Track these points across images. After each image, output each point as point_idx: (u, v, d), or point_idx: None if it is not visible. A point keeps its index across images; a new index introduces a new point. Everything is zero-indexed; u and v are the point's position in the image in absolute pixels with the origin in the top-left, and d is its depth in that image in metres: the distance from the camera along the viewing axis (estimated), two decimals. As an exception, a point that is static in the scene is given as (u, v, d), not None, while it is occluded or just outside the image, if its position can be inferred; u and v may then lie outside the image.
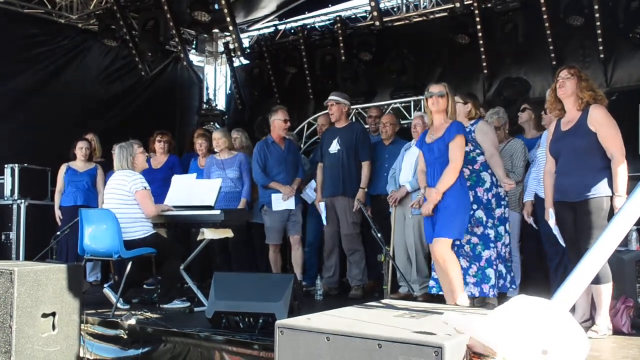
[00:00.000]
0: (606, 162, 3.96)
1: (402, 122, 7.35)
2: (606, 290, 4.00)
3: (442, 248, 4.44)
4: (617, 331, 4.14)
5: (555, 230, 4.26)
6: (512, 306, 2.62)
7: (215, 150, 6.84)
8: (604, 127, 3.98)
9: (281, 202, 6.35)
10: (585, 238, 3.91)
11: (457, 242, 4.79)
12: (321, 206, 6.36)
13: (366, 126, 7.15)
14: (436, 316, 2.98)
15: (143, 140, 6.71)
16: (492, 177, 5.06)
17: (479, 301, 5.05)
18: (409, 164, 5.91)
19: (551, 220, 4.27)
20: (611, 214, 3.82)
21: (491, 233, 5.02)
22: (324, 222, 6.37)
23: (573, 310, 4.25)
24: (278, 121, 6.51)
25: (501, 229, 5.10)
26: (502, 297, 5.19)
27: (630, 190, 3.08)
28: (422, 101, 8.15)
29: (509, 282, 5.17)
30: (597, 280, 3.91)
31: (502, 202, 5.15)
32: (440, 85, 4.60)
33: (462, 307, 4.03)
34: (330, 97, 6.41)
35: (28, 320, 3.93)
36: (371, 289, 6.39)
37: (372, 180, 6.42)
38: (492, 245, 5.01)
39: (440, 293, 5.10)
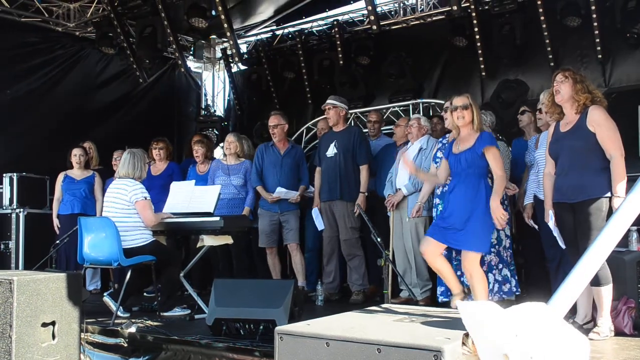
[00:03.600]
0: (605, 163, 3.95)
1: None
2: (606, 292, 3.99)
3: (472, 262, 4.40)
4: (619, 332, 4.12)
5: (555, 232, 4.25)
6: (518, 310, 2.61)
7: (225, 153, 6.84)
8: (602, 127, 3.97)
9: (282, 192, 6.38)
10: (584, 239, 3.90)
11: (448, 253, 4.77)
12: (315, 213, 6.34)
13: (365, 130, 7.14)
14: (436, 320, 2.97)
15: (142, 147, 6.70)
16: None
17: None
18: (404, 167, 5.90)
19: (550, 222, 4.25)
20: (610, 214, 3.80)
21: (492, 238, 5.00)
22: (319, 227, 6.34)
23: (574, 311, 4.27)
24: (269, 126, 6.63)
25: (501, 233, 5.09)
26: (506, 302, 5.18)
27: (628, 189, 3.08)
28: (420, 104, 8.24)
29: (514, 285, 5.15)
30: (597, 282, 3.90)
31: (503, 206, 5.13)
32: (464, 97, 4.53)
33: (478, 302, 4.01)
34: (328, 101, 6.41)
35: (28, 329, 3.91)
36: (372, 294, 6.37)
37: (382, 182, 6.40)
38: (493, 250, 4.99)
39: (447, 300, 5.09)
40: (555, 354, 2.43)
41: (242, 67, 10.67)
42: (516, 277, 5.22)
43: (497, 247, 5.07)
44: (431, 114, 7.97)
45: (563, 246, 4.24)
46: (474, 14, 7.95)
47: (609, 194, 3.92)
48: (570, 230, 4.13)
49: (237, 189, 6.61)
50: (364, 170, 6.23)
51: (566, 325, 2.59)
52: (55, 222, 7.17)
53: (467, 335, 2.57)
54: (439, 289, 5.34)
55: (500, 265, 5.10)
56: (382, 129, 7.32)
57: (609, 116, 4.03)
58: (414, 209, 5.65)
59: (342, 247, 6.29)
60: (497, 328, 2.52)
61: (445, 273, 4.56)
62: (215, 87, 11.17)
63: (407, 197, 5.85)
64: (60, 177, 7.26)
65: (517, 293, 5.17)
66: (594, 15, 7.22)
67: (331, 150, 6.34)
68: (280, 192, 6.38)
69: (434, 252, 4.47)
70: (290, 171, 6.48)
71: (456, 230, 4.39)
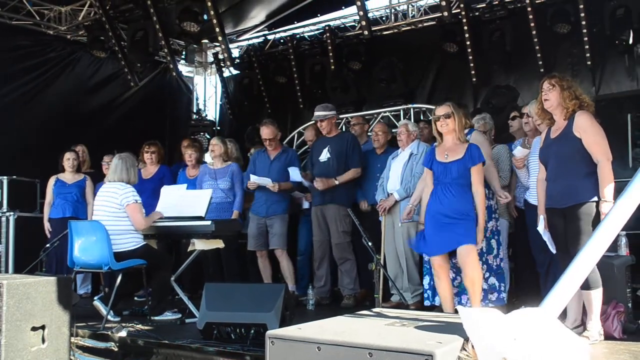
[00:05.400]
0: (592, 168, 3.97)
1: (393, 130, 7.36)
2: (596, 296, 4.01)
3: (468, 255, 4.44)
4: (608, 336, 4.14)
5: (545, 236, 4.28)
6: (517, 315, 2.63)
7: (210, 156, 6.85)
8: (588, 133, 4.00)
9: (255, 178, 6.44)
10: (574, 244, 3.92)
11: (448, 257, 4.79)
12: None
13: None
14: (427, 324, 2.98)
15: (133, 151, 6.68)
16: (485, 190, 5.04)
17: None
18: (395, 173, 5.93)
19: (540, 226, 4.28)
20: (599, 219, 3.83)
21: (482, 245, 4.99)
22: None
23: (564, 316, 4.28)
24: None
25: (493, 241, 5.08)
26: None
27: (617, 196, 3.10)
28: (411, 110, 8.28)
29: (503, 293, 5.15)
30: (587, 286, 3.92)
31: (494, 215, 5.14)
32: (446, 106, 4.63)
33: (455, 315, 4.03)
34: (317, 114, 6.42)
35: (17, 333, 3.89)
36: (363, 298, 6.37)
37: (364, 190, 6.45)
38: (482, 258, 4.98)
39: (435, 304, 5.09)
40: (553, 358, 2.44)
41: (234, 72, 10.68)
42: (505, 285, 5.21)
43: (485, 255, 5.06)
44: (422, 118, 8.01)
45: (554, 251, 4.26)
46: (464, 20, 8.01)
47: (597, 199, 3.94)
48: (562, 236, 4.15)
49: (224, 192, 6.61)
50: (352, 171, 6.23)
51: (566, 331, 2.60)
52: (47, 225, 7.13)
53: (467, 340, 2.58)
54: (425, 294, 5.35)
55: (487, 274, 5.09)
56: (369, 133, 7.37)
57: (595, 121, 4.07)
58: (405, 211, 5.67)
59: (333, 251, 6.31)
60: (496, 332, 2.53)
61: (445, 295, 4.66)
62: (207, 91, 11.18)
63: (399, 202, 5.87)
64: (52, 181, 7.22)
65: (504, 303, 5.15)
66: (584, 22, 7.28)
67: (324, 155, 6.37)
68: (254, 179, 6.45)
69: (441, 265, 4.59)
70: (277, 174, 6.49)
71: (447, 232, 4.47)
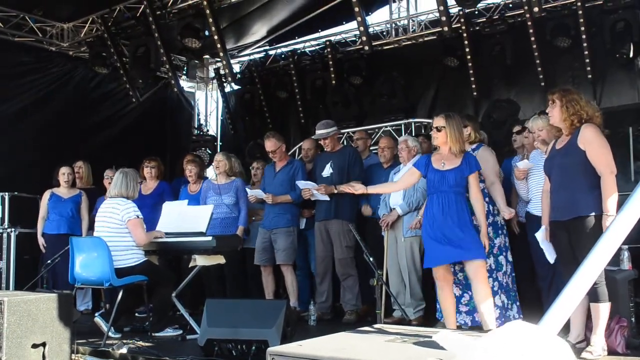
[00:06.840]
0: (595, 181, 3.97)
1: (397, 144, 7.38)
2: (604, 309, 4.00)
3: (478, 271, 4.44)
4: (611, 351, 4.12)
5: (544, 245, 4.28)
6: (504, 332, 2.61)
7: (215, 172, 6.85)
8: (593, 145, 4.00)
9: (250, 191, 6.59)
10: (579, 257, 3.90)
11: (452, 269, 4.78)
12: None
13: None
14: (428, 341, 2.96)
15: (134, 166, 6.68)
16: (489, 206, 5.03)
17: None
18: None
19: (539, 234, 4.29)
20: (601, 232, 3.80)
21: (489, 262, 4.97)
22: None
23: (567, 330, 4.26)
24: None
25: (501, 258, 5.05)
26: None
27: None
28: (412, 124, 8.30)
29: (516, 312, 5.10)
30: (595, 299, 3.92)
31: (501, 231, 5.12)
32: (440, 118, 4.63)
33: (454, 331, 4.02)
34: (319, 132, 6.43)
35: (18, 350, 3.88)
36: (365, 314, 6.34)
37: (370, 203, 6.42)
38: (491, 275, 4.95)
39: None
40: None
41: (235, 87, 10.71)
42: (518, 303, 5.16)
43: (495, 272, 5.02)
44: (423, 133, 8.01)
45: (551, 260, 4.28)
46: (465, 35, 8.03)
47: (600, 212, 3.92)
48: (565, 249, 4.14)
49: (229, 208, 6.60)
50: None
51: (556, 340, 2.59)
52: (40, 240, 7.13)
53: None
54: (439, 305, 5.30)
55: (500, 291, 5.04)
56: (371, 148, 7.37)
57: (601, 134, 4.06)
58: (413, 221, 5.66)
59: (336, 267, 6.29)
60: (488, 349, 2.52)
61: (447, 307, 4.64)
62: (208, 107, 11.20)
63: (402, 216, 5.86)
64: (47, 195, 7.23)
65: (520, 318, 5.09)
66: (584, 36, 7.30)
67: (327, 171, 6.38)
68: (249, 192, 6.58)
69: (445, 277, 4.60)
70: (280, 185, 6.50)
71: (453, 244, 4.44)
